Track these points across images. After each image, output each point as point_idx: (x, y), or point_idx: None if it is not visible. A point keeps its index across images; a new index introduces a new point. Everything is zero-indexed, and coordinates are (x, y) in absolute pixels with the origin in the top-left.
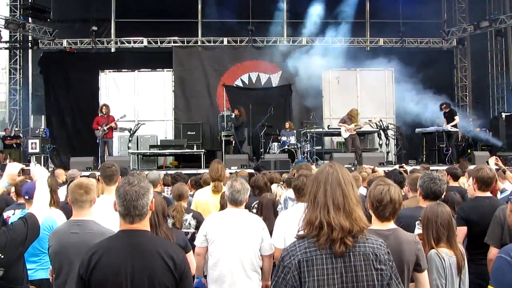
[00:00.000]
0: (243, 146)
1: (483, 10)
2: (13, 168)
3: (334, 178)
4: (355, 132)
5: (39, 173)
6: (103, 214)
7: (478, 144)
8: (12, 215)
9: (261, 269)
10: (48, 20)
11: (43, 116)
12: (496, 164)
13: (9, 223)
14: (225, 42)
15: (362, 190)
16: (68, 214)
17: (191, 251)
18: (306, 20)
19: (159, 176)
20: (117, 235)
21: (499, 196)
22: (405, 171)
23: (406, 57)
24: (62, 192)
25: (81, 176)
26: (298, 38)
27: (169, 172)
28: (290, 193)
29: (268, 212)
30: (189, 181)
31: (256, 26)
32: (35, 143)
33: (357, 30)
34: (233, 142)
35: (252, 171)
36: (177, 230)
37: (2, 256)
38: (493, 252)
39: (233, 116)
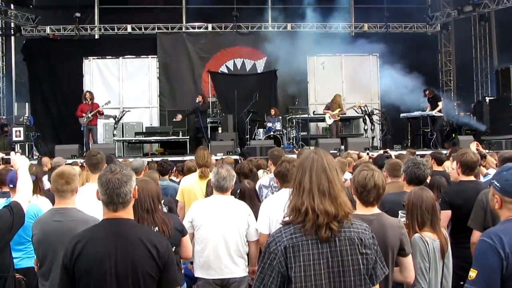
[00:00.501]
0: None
1: None
2: None
3: (319, 164)
4: (338, 118)
5: (20, 161)
6: (88, 202)
7: (463, 128)
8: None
9: (248, 255)
10: (31, 6)
11: (27, 104)
12: (477, 149)
13: None
14: (210, 28)
15: (348, 176)
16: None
17: (187, 235)
18: (290, 5)
19: (143, 163)
20: (100, 223)
21: (482, 180)
22: (390, 156)
23: (390, 42)
24: (46, 180)
25: (66, 164)
26: (282, 23)
27: (155, 159)
28: (264, 180)
29: (251, 199)
30: (175, 167)
31: (240, 11)
32: (19, 131)
33: (341, 15)
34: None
35: (238, 157)
36: (173, 214)
37: None
38: (476, 235)
39: (197, 101)
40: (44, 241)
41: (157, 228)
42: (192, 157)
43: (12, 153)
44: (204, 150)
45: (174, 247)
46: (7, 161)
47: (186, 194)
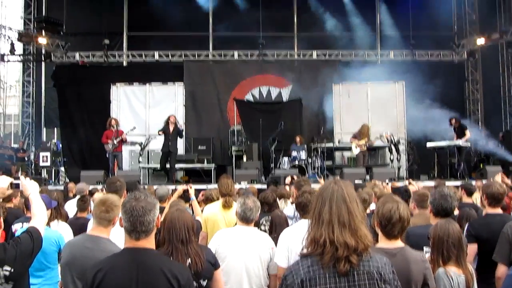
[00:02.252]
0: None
1: (493, 23)
2: (2, 181)
3: (339, 195)
4: (365, 148)
5: (31, 187)
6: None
7: (491, 158)
8: (20, 228)
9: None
10: (61, 33)
11: (55, 129)
12: (502, 181)
13: (15, 236)
14: (236, 56)
15: (374, 207)
16: (77, 230)
17: (220, 268)
18: (316, 33)
19: (168, 191)
20: (122, 252)
21: None
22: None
23: (416, 70)
24: (72, 206)
25: (89, 190)
26: (308, 51)
27: (179, 187)
28: (289, 211)
29: (281, 230)
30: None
31: (266, 39)
32: (47, 156)
33: (367, 43)
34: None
35: (262, 186)
36: (206, 246)
37: (12, 270)
38: (501, 269)
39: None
40: (71, 264)
41: (189, 260)
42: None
43: (22, 177)
44: (228, 179)
45: (206, 281)
46: (17, 186)
47: (209, 223)
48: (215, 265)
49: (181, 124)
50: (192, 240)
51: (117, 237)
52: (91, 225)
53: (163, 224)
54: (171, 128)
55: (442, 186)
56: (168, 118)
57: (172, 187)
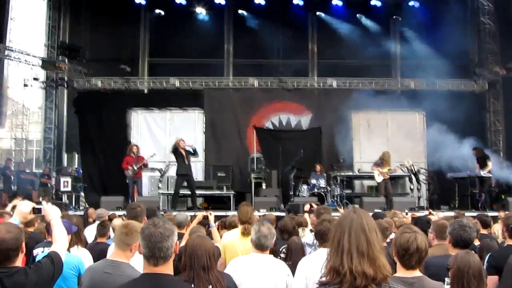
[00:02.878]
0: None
1: None
2: (24, 206)
3: (358, 224)
4: (388, 176)
5: (52, 212)
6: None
7: None
8: (41, 253)
9: None
10: (83, 60)
11: (76, 155)
12: None
13: (36, 260)
14: (256, 84)
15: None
16: (96, 255)
17: None
18: (336, 60)
19: (187, 218)
20: (140, 278)
21: None
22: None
23: (437, 99)
24: (92, 232)
25: (108, 216)
26: (328, 79)
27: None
28: (308, 238)
29: (298, 257)
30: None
31: (285, 67)
32: (67, 181)
33: (386, 72)
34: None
35: (281, 214)
36: (226, 273)
37: None
38: None
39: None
40: None
41: (211, 287)
42: (235, 213)
43: (44, 202)
44: (248, 206)
45: None
46: (39, 211)
47: (227, 250)
48: None
49: (192, 144)
50: (213, 267)
51: (137, 265)
52: (111, 251)
53: (184, 251)
54: (183, 152)
55: (462, 216)
56: (178, 144)
57: (190, 213)
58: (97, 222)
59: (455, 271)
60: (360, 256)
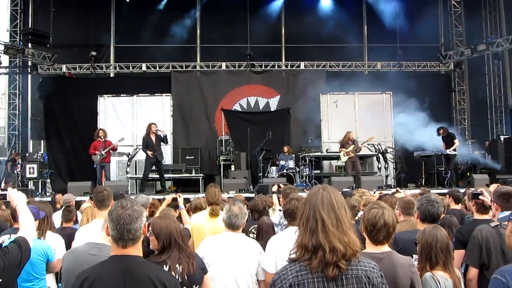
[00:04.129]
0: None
1: (480, 33)
2: None
3: (327, 201)
4: (353, 155)
5: (18, 197)
6: (95, 239)
7: (477, 167)
8: (7, 240)
9: None
10: (48, 45)
11: (42, 141)
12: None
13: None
14: (224, 67)
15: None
16: (65, 240)
17: (208, 273)
18: (303, 44)
19: (147, 200)
20: (109, 260)
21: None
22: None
23: (403, 80)
24: (59, 217)
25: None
26: (296, 62)
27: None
28: (275, 218)
29: (268, 236)
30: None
31: (254, 50)
32: (33, 168)
33: (354, 54)
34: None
35: (250, 195)
36: (194, 253)
37: (0, 280)
38: (472, 272)
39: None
40: (74, 270)
41: (182, 266)
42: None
43: (9, 188)
44: (215, 188)
45: (198, 286)
46: (4, 197)
47: (195, 232)
48: (204, 270)
49: (163, 130)
50: (186, 243)
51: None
52: (78, 235)
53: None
54: (154, 138)
55: (428, 193)
56: (149, 128)
57: (151, 196)
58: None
59: (423, 245)
60: (330, 232)
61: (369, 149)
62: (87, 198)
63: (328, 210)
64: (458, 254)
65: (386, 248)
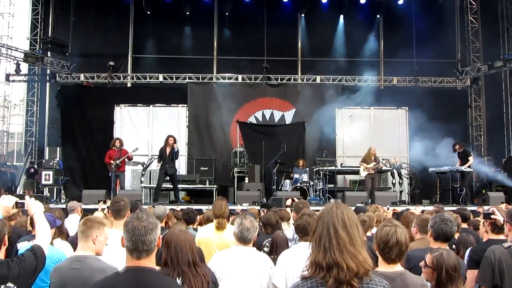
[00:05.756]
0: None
1: (497, 50)
2: (7, 201)
3: (340, 219)
4: (373, 171)
5: (35, 206)
6: (111, 248)
7: (493, 184)
8: (24, 246)
9: None
10: (67, 54)
11: (58, 148)
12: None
13: (19, 253)
14: (240, 79)
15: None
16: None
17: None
18: (320, 58)
19: (165, 211)
20: (123, 271)
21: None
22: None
23: (419, 96)
24: (70, 224)
25: (89, 209)
26: (312, 76)
27: (181, 207)
28: (289, 233)
29: (282, 251)
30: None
31: (270, 63)
32: (49, 174)
33: (371, 69)
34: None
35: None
36: (206, 266)
37: (15, 287)
38: None
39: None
40: None
41: (197, 280)
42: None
43: (27, 197)
44: (222, 201)
45: None
46: (21, 206)
47: (202, 245)
48: (216, 284)
49: (177, 145)
50: (197, 261)
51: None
52: None
53: (167, 246)
54: (168, 150)
55: (441, 210)
56: (167, 140)
57: (168, 207)
58: (72, 215)
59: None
60: (342, 250)
61: (385, 165)
62: (104, 206)
63: (340, 229)
64: (472, 274)
65: (399, 267)
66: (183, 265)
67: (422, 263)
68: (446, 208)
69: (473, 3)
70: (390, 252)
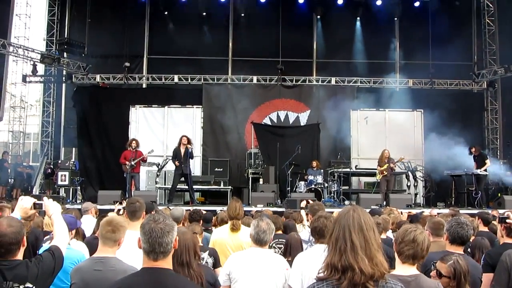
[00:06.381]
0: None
1: None
2: (26, 202)
3: (356, 223)
4: (387, 173)
5: (53, 207)
6: (127, 249)
7: (509, 188)
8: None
9: None
10: (83, 55)
11: (73, 149)
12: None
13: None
14: (255, 81)
15: (390, 234)
16: (93, 249)
17: None
18: (335, 60)
19: (183, 212)
20: (139, 272)
21: None
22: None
23: (435, 98)
24: (86, 224)
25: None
26: (327, 77)
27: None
28: (304, 235)
29: (297, 253)
30: (213, 217)
31: (285, 64)
32: (65, 175)
33: (386, 70)
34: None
35: (277, 209)
36: (205, 266)
37: (34, 287)
38: None
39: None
40: None
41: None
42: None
43: (45, 198)
44: (237, 202)
45: None
46: (39, 207)
47: (217, 246)
48: (214, 285)
49: (192, 146)
50: (193, 261)
51: (136, 257)
52: None
53: None
54: (182, 150)
55: (457, 213)
56: (180, 140)
57: (188, 208)
58: (86, 215)
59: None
60: (358, 253)
61: (399, 167)
62: (120, 206)
63: (357, 232)
64: (487, 277)
65: (414, 270)
66: (177, 265)
67: (433, 273)
68: (463, 211)
69: (490, 5)
70: (404, 247)
